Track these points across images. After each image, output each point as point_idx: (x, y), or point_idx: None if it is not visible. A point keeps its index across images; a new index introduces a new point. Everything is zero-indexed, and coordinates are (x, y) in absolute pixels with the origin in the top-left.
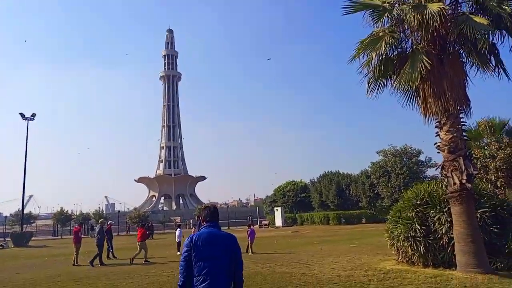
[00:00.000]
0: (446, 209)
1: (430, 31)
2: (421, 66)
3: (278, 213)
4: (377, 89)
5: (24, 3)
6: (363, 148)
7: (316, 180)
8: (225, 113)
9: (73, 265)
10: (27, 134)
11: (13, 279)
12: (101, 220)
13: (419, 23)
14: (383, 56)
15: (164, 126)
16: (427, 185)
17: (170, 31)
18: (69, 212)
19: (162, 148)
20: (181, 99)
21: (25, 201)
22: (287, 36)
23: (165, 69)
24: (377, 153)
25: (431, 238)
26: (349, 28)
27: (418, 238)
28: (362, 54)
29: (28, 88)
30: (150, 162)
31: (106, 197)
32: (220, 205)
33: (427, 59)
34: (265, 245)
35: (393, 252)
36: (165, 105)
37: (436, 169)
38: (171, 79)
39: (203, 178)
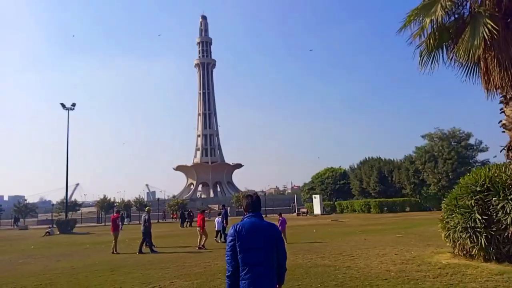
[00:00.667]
0: None
1: None
2: (485, 31)
3: (316, 200)
4: (431, 62)
5: None
6: (406, 133)
7: (356, 166)
8: (261, 99)
9: (112, 253)
10: (68, 123)
11: (53, 268)
12: (147, 208)
13: None
14: (438, 24)
15: (200, 114)
16: (487, 169)
17: (204, 17)
18: (112, 199)
19: (198, 136)
20: (216, 85)
21: (71, 190)
22: (327, 17)
23: (199, 56)
24: (422, 137)
25: (494, 229)
26: (391, 7)
27: (478, 229)
28: (414, 22)
29: (70, 79)
30: (188, 150)
31: (147, 185)
32: (256, 193)
33: (491, 23)
34: (304, 234)
35: (447, 244)
36: (200, 93)
37: (499, 153)
38: (206, 67)
39: (239, 165)
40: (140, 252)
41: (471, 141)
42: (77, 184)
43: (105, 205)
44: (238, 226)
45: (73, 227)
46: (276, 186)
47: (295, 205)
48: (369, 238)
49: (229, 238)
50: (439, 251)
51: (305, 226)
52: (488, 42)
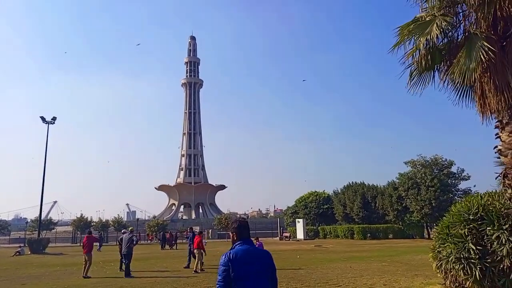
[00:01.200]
0: (507, 226)
1: (493, 11)
2: (482, 53)
3: (299, 225)
4: (422, 83)
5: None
6: (389, 159)
7: (339, 191)
8: (246, 121)
9: (84, 277)
10: (47, 138)
11: None
12: (131, 228)
13: (480, 1)
14: (431, 44)
15: (185, 133)
16: (479, 197)
17: (193, 38)
18: (89, 218)
19: (182, 155)
20: (202, 105)
21: (48, 207)
22: (306, 44)
23: (187, 76)
24: (405, 163)
25: (489, 260)
26: (364, 41)
27: (472, 260)
28: (407, 41)
29: (52, 95)
30: (172, 170)
31: (127, 204)
32: (239, 215)
33: (488, 45)
34: (288, 260)
35: (439, 275)
36: (186, 112)
37: (479, 182)
38: (193, 86)
39: (223, 187)
40: (129, 275)
41: (453, 169)
42: (55, 202)
43: (81, 224)
44: (231, 255)
45: (46, 246)
46: (259, 209)
47: (282, 229)
48: (355, 266)
49: (221, 268)
50: (429, 282)
51: (288, 251)
52: (485, 64)
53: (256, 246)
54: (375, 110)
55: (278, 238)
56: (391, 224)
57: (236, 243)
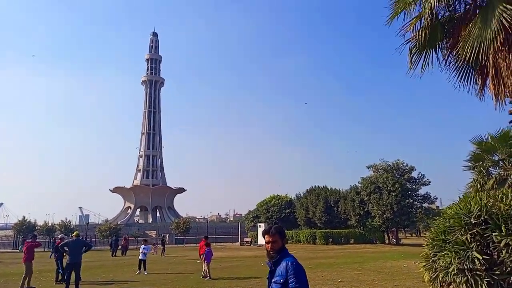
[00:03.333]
0: None
1: None
2: (504, 19)
3: (261, 229)
4: (422, 63)
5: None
6: (352, 163)
7: (302, 195)
8: (205, 123)
9: None
10: None
11: None
12: (75, 232)
13: None
14: (433, 17)
15: (143, 133)
16: (477, 198)
17: (155, 34)
18: (33, 222)
19: (140, 156)
20: (162, 105)
21: None
22: (276, 45)
23: (147, 73)
24: (368, 168)
25: (497, 272)
26: (341, 41)
27: (478, 272)
28: (405, 12)
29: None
30: (128, 171)
31: (80, 208)
32: (198, 220)
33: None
34: (252, 267)
35: (430, 287)
36: (145, 111)
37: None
38: (154, 85)
39: (182, 190)
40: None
41: (414, 174)
42: (1, 204)
43: (24, 228)
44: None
45: None
46: (218, 213)
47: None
48: (326, 275)
49: (303, 272)
50: None
51: (251, 257)
52: (503, 35)
53: (205, 252)
54: (340, 117)
55: (238, 243)
56: (353, 229)
57: (284, 251)
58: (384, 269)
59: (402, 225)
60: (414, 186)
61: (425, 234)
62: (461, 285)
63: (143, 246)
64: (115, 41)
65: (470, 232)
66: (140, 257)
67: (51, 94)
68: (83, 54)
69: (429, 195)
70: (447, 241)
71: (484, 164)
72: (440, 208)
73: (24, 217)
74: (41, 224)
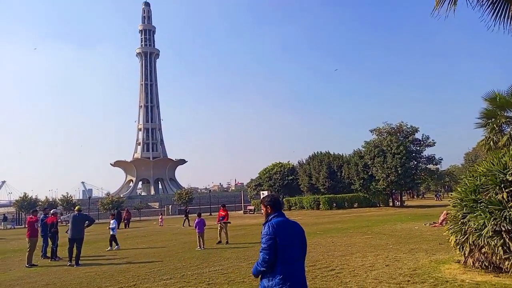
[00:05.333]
0: None
1: None
2: None
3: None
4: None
5: None
6: (354, 129)
7: (304, 161)
8: (204, 94)
9: (27, 266)
10: None
11: None
12: (77, 207)
13: None
14: None
15: (141, 106)
16: (510, 152)
17: (147, 3)
18: (34, 198)
19: (139, 130)
20: (159, 77)
21: None
22: (274, 8)
23: (142, 45)
24: (371, 131)
25: None
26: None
27: None
28: None
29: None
30: (129, 144)
31: (83, 182)
32: (201, 190)
33: None
34: (256, 236)
35: (457, 251)
36: (142, 84)
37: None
38: (149, 56)
39: (183, 161)
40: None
41: (418, 135)
42: (3, 182)
43: (25, 204)
44: (275, 225)
45: None
46: (220, 183)
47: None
48: (337, 241)
49: (267, 237)
50: (438, 259)
51: (256, 225)
52: None
53: (195, 222)
54: (339, 78)
55: (242, 211)
56: (356, 193)
57: (272, 215)
58: (395, 232)
59: (406, 188)
60: (418, 148)
61: (454, 194)
62: (496, 248)
63: (113, 220)
64: (108, 14)
65: (506, 190)
66: (112, 232)
67: (49, 70)
68: (78, 29)
69: (434, 156)
70: (479, 201)
71: (497, 121)
72: (440, 169)
73: (25, 193)
74: (42, 200)
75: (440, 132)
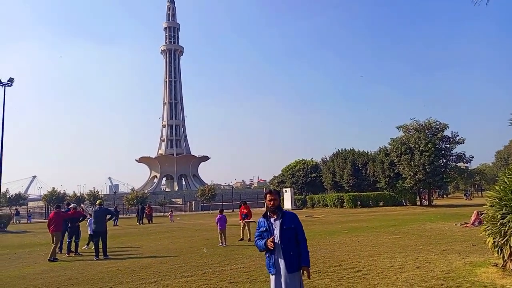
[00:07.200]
0: None
1: None
2: None
3: (287, 194)
4: None
5: None
6: (378, 127)
7: (328, 159)
8: (229, 91)
9: (49, 260)
10: (4, 100)
11: None
12: (98, 201)
13: None
14: None
15: (165, 103)
16: None
17: (172, 1)
18: (62, 192)
19: (163, 126)
20: (183, 75)
21: (28, 182)
22: (295, 8)
23: (166, 42)
24: (398, 128)
25: None
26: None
27: None
28: None
29: (24, 65)
30: (153, 141)
31: (109, 178)
32: (223, 187)
33: None
34: None
35: (495, 254)
36: (166, 81)
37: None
38: (173, 53)
39: (206, 158)
40: (107, 255)
41: (447, 132)
42: (34, 177)
43: (53, 198)
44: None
45: (7, 224)
46: (243, 180)
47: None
48: (363, 240)
49: (262, 229)
50: (472, 261)
51: None
52: None
53: (216, 219)
54: (366, 78)
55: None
56: (381, 191)
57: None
58: (424, 232)
59: (435, 186)
60: (448, 146)
61: (491, 192)
62: None
63: (90, 218)
64: (134, 13)
65: None
66: (89, 231)
67: (78, 68)
68: (103, 27)
69: (464, 154)
70: None
71: None
72: (469, 168)
73: (53, 188)
74: (70, 194)
75: (470, 130)
